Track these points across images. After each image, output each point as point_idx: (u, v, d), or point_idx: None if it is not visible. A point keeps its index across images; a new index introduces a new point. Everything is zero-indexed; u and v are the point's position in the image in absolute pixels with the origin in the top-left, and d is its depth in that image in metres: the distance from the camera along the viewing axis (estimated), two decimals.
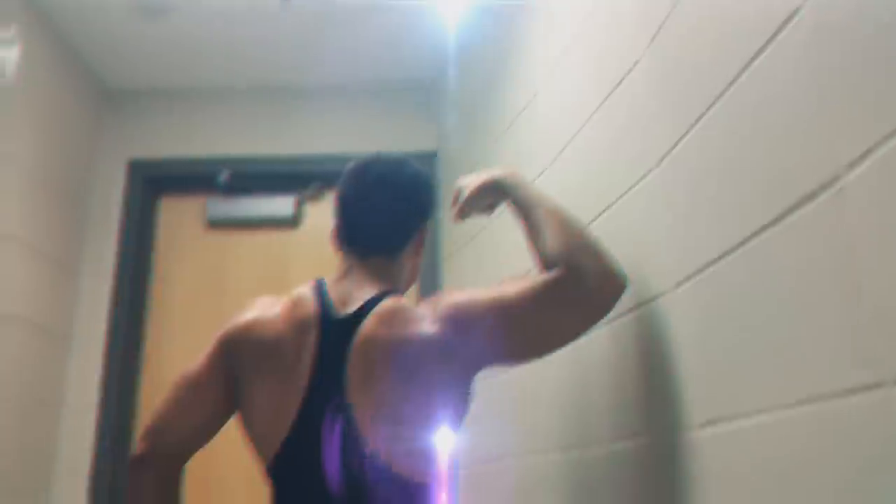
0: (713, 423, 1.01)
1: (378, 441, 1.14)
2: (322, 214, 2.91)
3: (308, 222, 2.91)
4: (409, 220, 1.36)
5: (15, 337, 2.24)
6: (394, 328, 1.18)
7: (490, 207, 1.41)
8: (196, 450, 1.34)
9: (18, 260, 2.27)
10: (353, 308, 1.23)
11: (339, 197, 1.36)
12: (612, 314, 1.32)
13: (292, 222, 2.88)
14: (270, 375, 1.24)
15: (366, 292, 1.25)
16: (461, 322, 1.17)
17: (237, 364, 1.30)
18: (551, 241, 1.18)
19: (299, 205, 2.89)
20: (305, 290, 1.29)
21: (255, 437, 1.26)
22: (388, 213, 1.33)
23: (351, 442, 1.15)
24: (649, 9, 1.24)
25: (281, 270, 2.83)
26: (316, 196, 2.90)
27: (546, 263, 1.17)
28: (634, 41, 1.29)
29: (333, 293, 1.28)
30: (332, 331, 1.22)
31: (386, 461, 1.14)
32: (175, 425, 1.32)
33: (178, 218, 2.90)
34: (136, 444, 1.32)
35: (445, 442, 1.19)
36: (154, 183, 2.89)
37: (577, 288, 1.14)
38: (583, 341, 1.46)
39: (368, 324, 1.19)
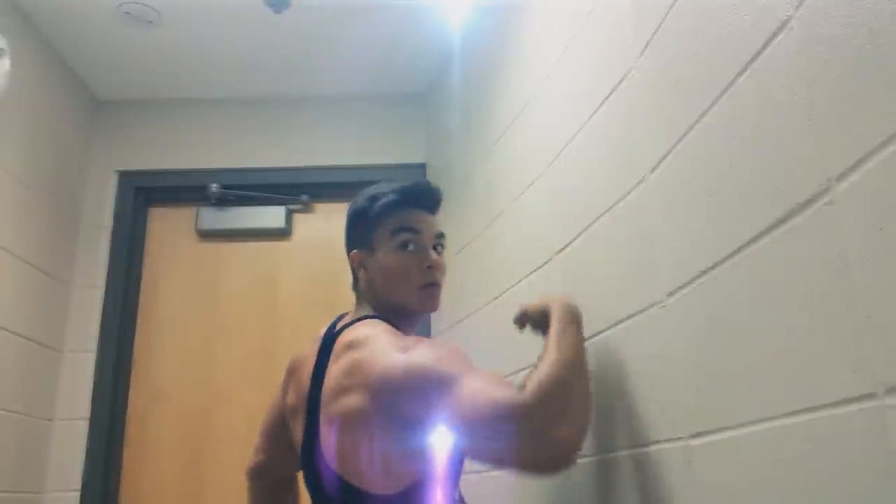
0: (706, 434, 1.00)
1: (332, 453, 1.22)
2: (313, 225, 2.90)
3: (299, 233, 2.90)
4: (346, 248, 1.46)
5: (5, 348, 2.22)
6: (347, 351, 1.24)
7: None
8: (293, 465, 1.45)
9: (8, 271, 2.25)
10: (342, 327, 1.35)
11: None
12: (605, 324, 1.33)
13: (283, 233, 2.87)
14: (295, 405, 1.40)
15: (355, 315, 1.37)
16: (402, 393, 1.13)
17: (286, 396, 1.48)
18: (545, 366, 1.06)
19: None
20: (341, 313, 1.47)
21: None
22: None
23: (318, 451, 1.25)
24: (643, 18, 1.24)
25: (272, 281, 2.82)
26: (306, 207, 2.90)
27: (524, 384, 1.04)
28: (628, 51, 1.30)
29: (345, 316, 1.42)
30: (325, 351, 1.33)
31: (339, 471, 1.21)
32: (263, 445, 1.57)
33: (169, 228, 2.89)
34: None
35: (408, 455, 1.19)
36: (144, 193, 2.88)
37: (526, 428, 0.99)
38: None
39: (337, 345, 1.30)
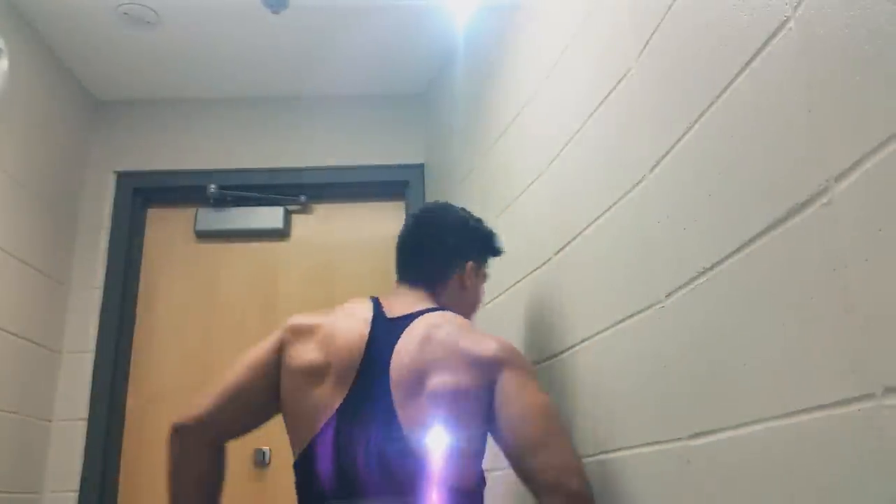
0: (705, 434, 1.00)
1: (413, 434, 1.25)
2: (311, 226, 2.90)
3: (297, 234, 2.90)
4: (447, 258, 1.55)
5: (4, 349, 2.21)
6: (441, 334, 1.33)
7: None
8: (242, 429, 1.45)
9: (7, 272, 2.25)
10: (403, 314, 1.40)
11: (398, 236, 1.60)
12: (604, 324, 1.33)
13: (281, 234, 2.87)
14: (321, 365, 1.35)
15: (418, 306, 1.43)
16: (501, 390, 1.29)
17: (288, 353, 1.40)
18: None
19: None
20: (360, 300, 1.49)
21: (298, 416, 1.36)
22: (428, 250, 1.55)
23: (386, 429, 1.27)
24: (642, 18, 1.24)
25: (270, 282, 2.81)
26: (304, 208, 2.89)
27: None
28: (627, 51, 1.30)
29: (385, 304, 1.45)
30: (382, 328, 1.38)
31: (419, 453, 1.24)
32: (217, 403, 1.40)
33: (167, 229, 2.89)
34: (184, 411, 1.41)
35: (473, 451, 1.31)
36: (143, 194, 2.87)
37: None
38: (572, 352, 1.46)
39: (417, 325, 1.36)
